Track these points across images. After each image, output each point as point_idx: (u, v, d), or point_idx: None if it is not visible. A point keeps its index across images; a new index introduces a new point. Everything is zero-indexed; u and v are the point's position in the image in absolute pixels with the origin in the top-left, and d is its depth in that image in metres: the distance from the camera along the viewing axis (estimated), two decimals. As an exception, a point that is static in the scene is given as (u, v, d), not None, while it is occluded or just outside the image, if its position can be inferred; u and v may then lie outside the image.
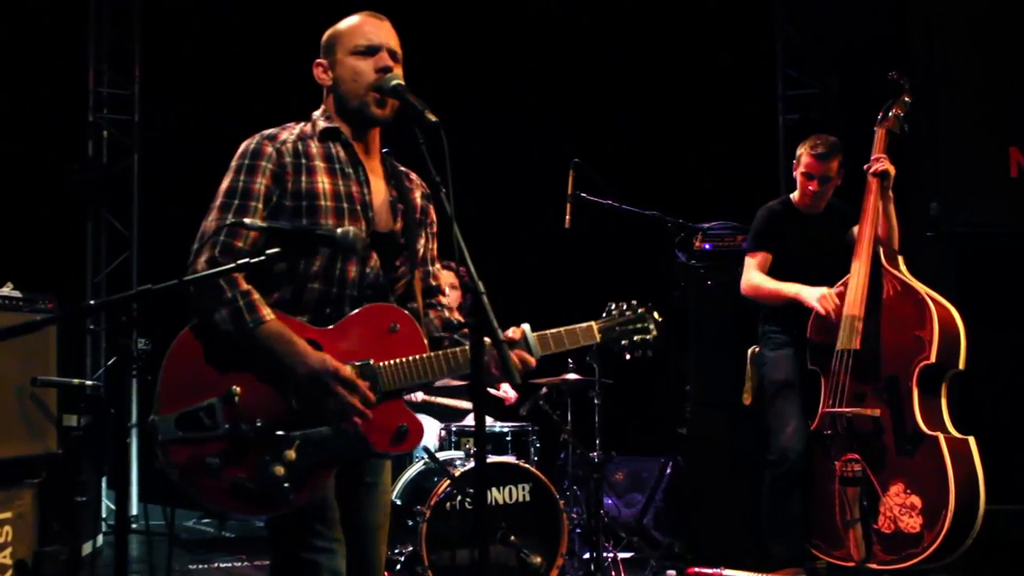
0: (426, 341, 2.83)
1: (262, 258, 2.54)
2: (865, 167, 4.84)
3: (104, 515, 6.13)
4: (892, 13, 6.33)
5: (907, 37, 6.04)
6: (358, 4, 2.96)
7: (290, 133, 2.79)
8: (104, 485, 5.89)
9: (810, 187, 4.99)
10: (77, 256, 8.03)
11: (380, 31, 2.84)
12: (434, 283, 3.05)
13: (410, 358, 2.76)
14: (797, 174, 5.05)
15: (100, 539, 5.88)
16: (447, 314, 3.04)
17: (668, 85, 7.73)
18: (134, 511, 7.48)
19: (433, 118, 2.57)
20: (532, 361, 2.78)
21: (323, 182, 2.74)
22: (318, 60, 2.88)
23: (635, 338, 3.03)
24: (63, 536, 5.19)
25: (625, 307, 3.06)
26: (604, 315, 3.05)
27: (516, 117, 7.86)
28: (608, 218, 5.75)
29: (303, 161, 2.74)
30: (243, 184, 2.69)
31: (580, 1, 7.92)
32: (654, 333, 3.05)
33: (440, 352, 2.80)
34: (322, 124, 2.83)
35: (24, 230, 7.29)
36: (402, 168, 3.00)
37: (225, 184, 2.72)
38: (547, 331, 2.91)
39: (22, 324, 2.46)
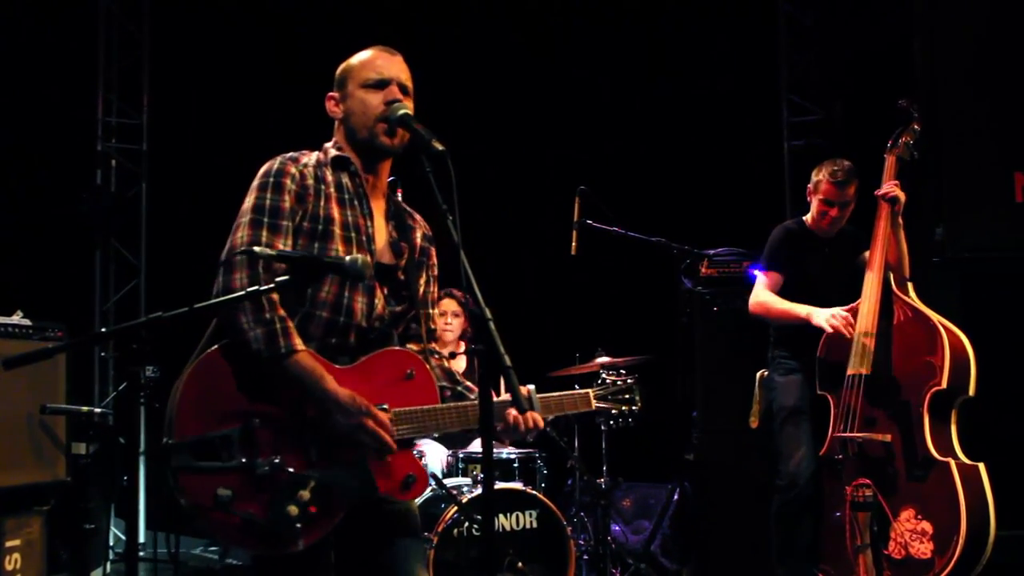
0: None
1: (271, 285, 2.54)
2: (876, 192, 4.85)
3: (111, 543, 6.11)
4: (896, 39, 6.35)
5: (911, 63, 6.05)
6: (371, 39, 2.99)
7: (308, 158, 2.83)
8: (112, 513, 5.88)
9: (831, 214, 4.98)
10: (85, 284, 8.03)
11: (390, 65, 2.87)
12: (432, 327, 3.05)
13: (424, 408, 2.77)
14: (814, 200, 5.04)
15: (108, 567, 5.86)
16: (446, 363, 3.05)
17: (672, 111, 7.76)
18: (141, 539, 7.45)
19: (440, 146, 2.60)
20: (540, 422, 2.80)
21: (335, 209, 2.77)
22: (330, 94, 2.91)
23: (623, 408, 3.18)
24: (71, 564, 5.18)
25: (616, 377, 3.19)
26: (597, 383, 3.17)
27: (522, 144, 7.88)
28: (614, 245, 5.78)
29: (321, 186, 2.78)
30: (271, 202, 2.70)
31: (584, 30, 7.96)
32: (639, 404, 3.19)
33: (453, 404, 2.82)
34: (333, 153, 2.86)
35: (33, 258, 7.31)
36: (406, 207, 3.03)
37: (251, 202, 2.72)
38: (548, 394, 2.96)
39: (34, 351, 2.42)
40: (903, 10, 6.17)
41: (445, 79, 7.47)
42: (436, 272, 3.07)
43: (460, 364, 5.83)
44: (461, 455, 5.47)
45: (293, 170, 2.75)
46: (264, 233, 2.67)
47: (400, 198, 4.87)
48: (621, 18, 7.90)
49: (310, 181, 2.76)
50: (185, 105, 8.09)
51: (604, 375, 3.20)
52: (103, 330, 2.65)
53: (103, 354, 7.97)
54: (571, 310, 7.55)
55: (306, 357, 2.61)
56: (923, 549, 4.52)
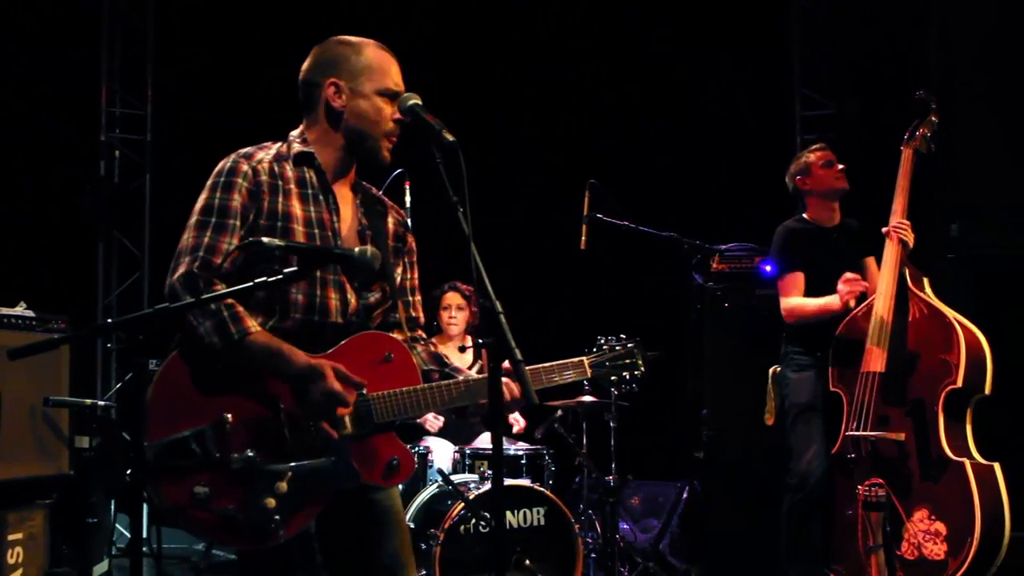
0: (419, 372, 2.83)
1: (279, 276, 2.52)
2: (884, 229, 4.80)
3: (114, 537, 6.07)
4: (910, 33, 6.31)
5: (926, 57, 6.00)
6: (377, 31, 2.94)
7: (266, 153, 2.79)
8: (113, 507, 5.86)
9: (838, 167, 5.00)
10: (88, 276, 7.99)
11: (400, 75, 2.86)
12: (414, 314, 3.02)
13: (404, 390, 2.75)
14: (816, 175, 5.03)
15: (111, 561, 5.82)
16: (432, 347, 3.03)
17: (684, 105, 7.71)
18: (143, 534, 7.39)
19: (451, 138, 2.56)
20: (516, 391, 2.74)
21: (296, 206, 2.74)
22: (335, 80, 2.82)
23: (623, 373, 3.05)
24: (73, 558, 5.15)
25: (615, 342, 3.07)
26: (594, 350, 3.06)
27: (533, 138, 7.83)
28: (624, 240, 5.73)
29: (279, 183, 2.74)
30: (219, 201, 2.69)
31: (597, 22, 7.91)
32: (642, 369, 3.07)
33: (435, 384, 2.79)
34: (297, 148, 2.82)
35: (36, 250, 7.27)
36: (376, 193, 3.01)
37: (201, 202, 2.72)
38: (539, 365, 2.89)
39: (39, 343, 2.41)
40: (918, 3, 6.11)
41: (456, 71, 7.44)
42: (415, 258, 3.04)
43: (468, 358, 5.78)
44: (468, 451, 5.43)
45: (245, 167, 2.72)
46: (209, 233, 2.66)
47: (408, 190, 4.92)
48: (632, 11, 7.85)
49: (264, 177, 2.73)
50: (189, 95, 8.04)
51: (601, 341, 3.09)
52: (109, 321, 2.62)
53: (108, 346, 7.94)
54: (580, 305, 7.51)
55: (261, 336, 2.60)
56: (936, 550, 4.46)
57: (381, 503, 2.81)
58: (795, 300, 4.96)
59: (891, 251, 4.76)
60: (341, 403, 2.62)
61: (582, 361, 2.99)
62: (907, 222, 4.77)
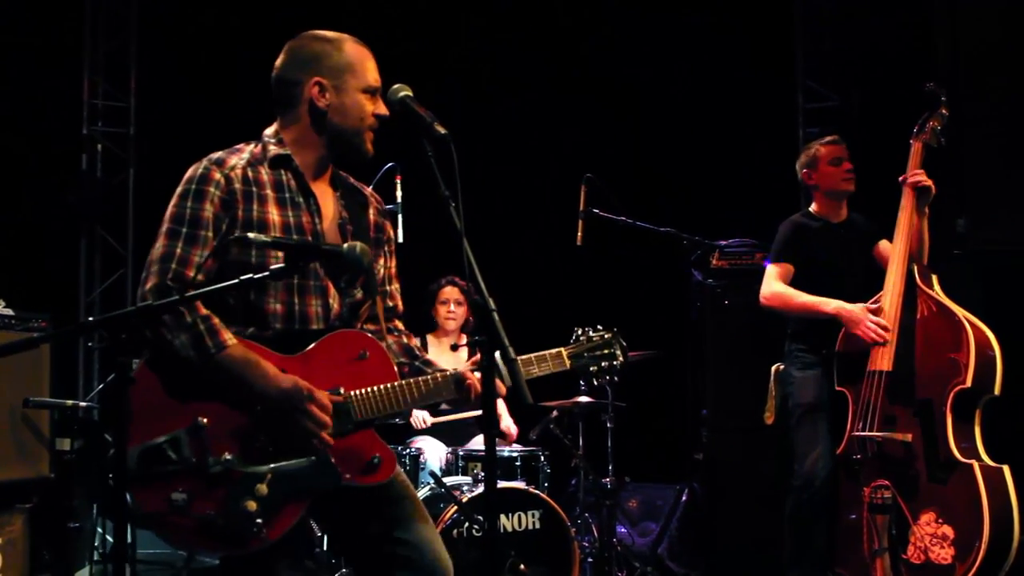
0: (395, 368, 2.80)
1: (265, 274, 2.48)
2: (902, 178, 4.71)
3: (96, 543, 5.99)
4: (917, 26, 6.25)
5: (932, 50, 5.93)
6: (366, 21, 2.84)
7: (239, 158, 2.73)
8: (95, 511, 5.80)
9: (847, 166, 4.92)
10: (70, 274, 7.87)
11: (376, 69, 2.85)
12: (391, 304, 2.99)
13: (383, 387, 2.72)
14: (822, 170, 4.94)
15: (92, 568, 5.77)
16: (405, 339, 3.00)
17: (685, 98, 7.63)
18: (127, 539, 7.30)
19: (442, 130, 2.52)
20: (502, 388, 2.69)
21: (273, 212, 2.69)
22: (319, 78, 2.77)
23: (602, 364, 3.06)
24: (54, 564, 5.14)
25: (592, 332, 3.08)
26: (572, 341, 3.06)
27: (528, 131, 7.76)
28: (622, 235, 5.68)
29: (253, 189, 2.69)
30: (190, 211, 2.64)
31: (595, 13, 7.84)
32: (620, 359, 3.07)
33: (413, 380, 2.77)
34: (273, 150, 2.76)
35: (16, 247, 7.15)
36: (355, 183, 2.97)
37: (171, 210, 2.68)
38: (516, 357, 2.81)
39: (18, 341, 2.41)
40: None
41: (451, 63, 7.36)
42: (393, 247, 3.02)
43: (463, 356, 5.68)
44: (461, 452, 5.38)
45: (217, 175, 2.68)
46: (180, 244, 2.62)
47: (400, 185, 4.82)
48: (632, 2, 7.77)
49: (237, 185, 2.67)
50: (174, 87, 7.92)
51: (579, 332, 3.09)
52: (91, 319, 2.58)
53: (90, 345, 7.82)
54: (576, 302, 7.44)
55: (238, 350, 2.57)
56: (943, 554, 4.38)
57: (391, 497, 2.78)
58: (781, 287, 4.88)
59: (907, 203, 4.65)
60: (322, 428, 2.60)
61: (560, 352, 2.99)
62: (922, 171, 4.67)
